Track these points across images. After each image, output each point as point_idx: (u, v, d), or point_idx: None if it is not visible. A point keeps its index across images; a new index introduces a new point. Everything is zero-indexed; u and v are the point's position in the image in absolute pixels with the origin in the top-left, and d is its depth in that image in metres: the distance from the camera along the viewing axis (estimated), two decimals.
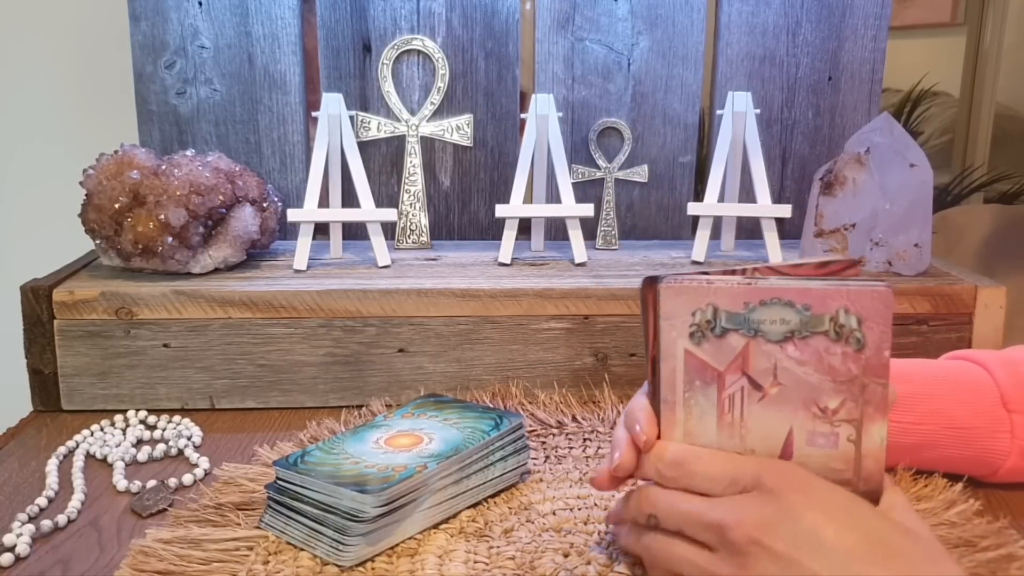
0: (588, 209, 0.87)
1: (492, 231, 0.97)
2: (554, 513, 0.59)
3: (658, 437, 0.50)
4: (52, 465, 0.67)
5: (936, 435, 0.61)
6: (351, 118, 0.90)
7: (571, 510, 0.59)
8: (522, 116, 0.91)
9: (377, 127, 0.94)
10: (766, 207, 0.87)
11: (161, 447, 0.69)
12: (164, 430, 0.73)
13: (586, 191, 0.96)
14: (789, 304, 0.46)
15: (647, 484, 0.50)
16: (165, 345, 0.76)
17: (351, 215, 0.87)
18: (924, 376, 0.62)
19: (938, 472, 0.63)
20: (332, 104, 0.87)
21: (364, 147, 0.93)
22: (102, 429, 0.73)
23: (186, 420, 0.74)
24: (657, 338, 0.48)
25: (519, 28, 0.94)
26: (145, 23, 0.91)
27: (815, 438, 0.47)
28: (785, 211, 0.87)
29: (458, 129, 0.95)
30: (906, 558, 0.43)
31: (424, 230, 0.94)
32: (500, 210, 0.87)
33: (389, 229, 0.93)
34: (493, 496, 0.61)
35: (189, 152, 0.84)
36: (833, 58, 0.96)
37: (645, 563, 0.51)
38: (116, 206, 0.77)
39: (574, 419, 0.73)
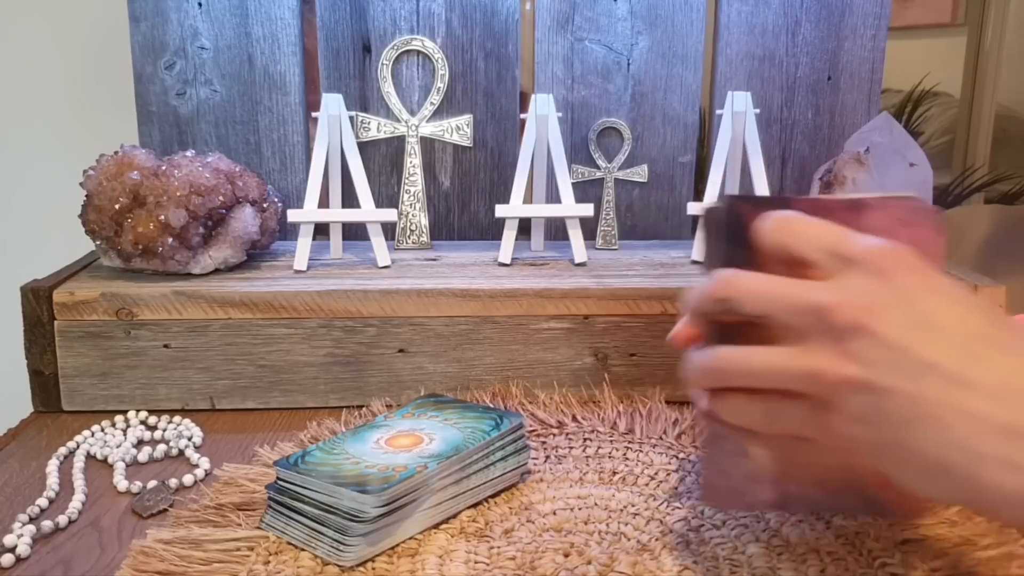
0: (588, 209, 0.87)
1: (492, 231, 0.97)
2: (554, 513, 0.59)
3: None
4: (53, 466, 0.67)
5: None
6: (351, 118, 0.90)
7: (571, 510, 0.59)
8: (522, 116, 0.91)
9: (377, 127, 0.94)
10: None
11: (162, 447, 0.69)
12: (165, 430, 0.73)
13: (586, 191, 0.96)
14: None
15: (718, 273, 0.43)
16: (165, 346, 0.76)
17: (351, 215, 0.87)
18: None
19: None
20: (332, 104, 0.87)
21: (364, 147, 0.93)
22: (103, 430, 0.73)
23: (187, 420, 0.74)
24: None
25: (519, 28, 0.94)
26: (145, 24, 0.91)
27: None
28: None
29: (458, 129, 0.95)
30: (1010, 335, 0.37)
31: (424, 230, 0.94)
32: (500, 210, 0.87)
33: (389, 229, 0.93)
34: (493, 496, 0.61)
35: (189, 153, 0.84)
36: (833, 58, 0.96)
37: (712, 382, 0.44)
38: (116, 207, 0.77)
39: (574, 419, 0.73)
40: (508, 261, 0.86)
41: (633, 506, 0.59)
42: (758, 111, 0.89)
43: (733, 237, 0.45)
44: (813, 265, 0.41)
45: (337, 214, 0.88)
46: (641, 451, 0.68)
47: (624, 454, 0.67)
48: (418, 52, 0.94)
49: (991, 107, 2.71)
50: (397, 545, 0.55)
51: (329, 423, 0.73)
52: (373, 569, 0.53)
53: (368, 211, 0.86)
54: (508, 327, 0.77)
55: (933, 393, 0.37)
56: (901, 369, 0.37)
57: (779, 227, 0.42)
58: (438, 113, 0.95)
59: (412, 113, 0.94)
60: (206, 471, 0.66)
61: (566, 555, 0.54)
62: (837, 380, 0.39)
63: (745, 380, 0.42)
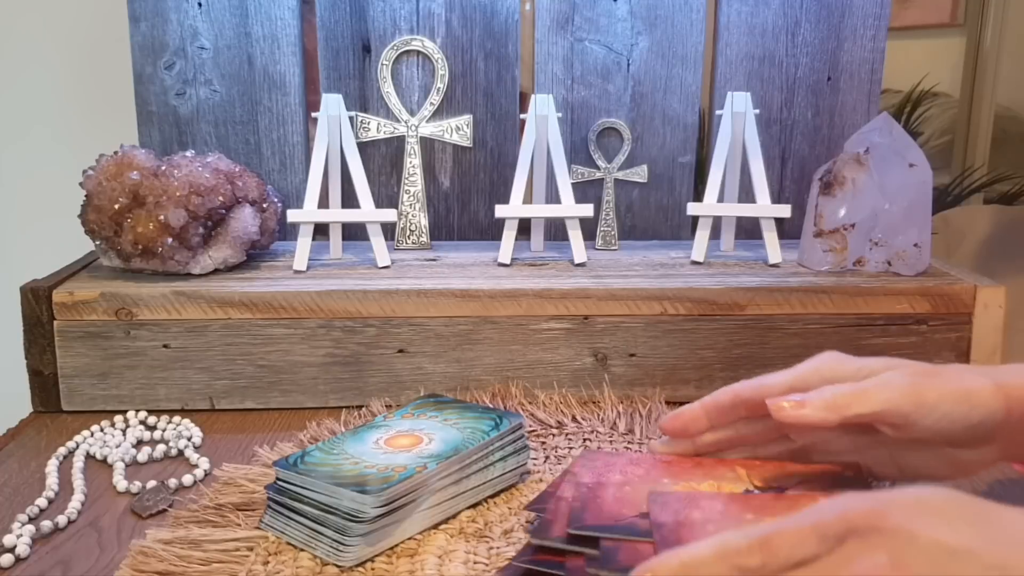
0: (588, 209, 0.87)
1: (492, 231, 0.97)
2: None
3: None
4: (52, 466, 0.67)
5: None
6: (351, 119, 0.90)
7: None
8: (522, 116, 0.91)
9: (377, 128, 0.94)
10: (766, 207, 0.87)
11: (161, 448, 0.69)
12: (164, 431, 0.73)
13: (586, 191, 0.96)
14: None
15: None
16: (165, 346, 0.76)
17: (351, 216, 0.87)
18: None
19: None
20: (332, 105, 0.87)
21: (364, 148, 0.93)
22: (102, 430, 0.73)
23: (186, 421, 0.74)
24: None
25: (518, 29, 0.94)
26: (145, 24, 0.91)
27: None
28: (784, 211, 0.87)
29: (458, 130, 0.95)
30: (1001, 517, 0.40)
31: (424, 231, 0.94)
32: (500, 210, 0.87)
33: (389, 230, 0.93)
34: (493, 496, 0.61)
35: (189, 153, 0.84)
36: (832, 58, 0.96)
37: None
38: (116, 207, 0.77)
39: (574, 419, 0.73)
40: (508, 261, 0.86)
41: None
42: (758, 111, 0.89)
43: None
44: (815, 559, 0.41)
45: (337, 214, 0.88)
46: (641, 451, 0.68)
47: None
48: (418, 52, 0.94)
49: (990, 107, 2.72)
50: (396, 545, 0.55)
51: (329, 423, 0.73)
52: (372, 569, 0.53)
53: (368, 211, 0.86)
54: (508, 327, 0.77)
55: None
56: None
57: (760, 554, 0.41)
58: (438, 113, 0.95)
59: (412, 113, 0.94)
60: (205, 471, 0.66)
61: None
62: None
63: None
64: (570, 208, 0.87)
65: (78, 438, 0.71)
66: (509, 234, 0.86)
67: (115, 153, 0.81)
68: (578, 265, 0.86)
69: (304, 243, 0.84)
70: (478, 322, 0.77)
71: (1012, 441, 0.53)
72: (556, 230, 0.96)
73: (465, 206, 0.97)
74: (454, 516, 0.58)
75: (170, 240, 0.77)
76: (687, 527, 0.47)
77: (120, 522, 0.60)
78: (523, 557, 0.50)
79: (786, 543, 0.41)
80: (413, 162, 0.94)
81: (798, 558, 0.41)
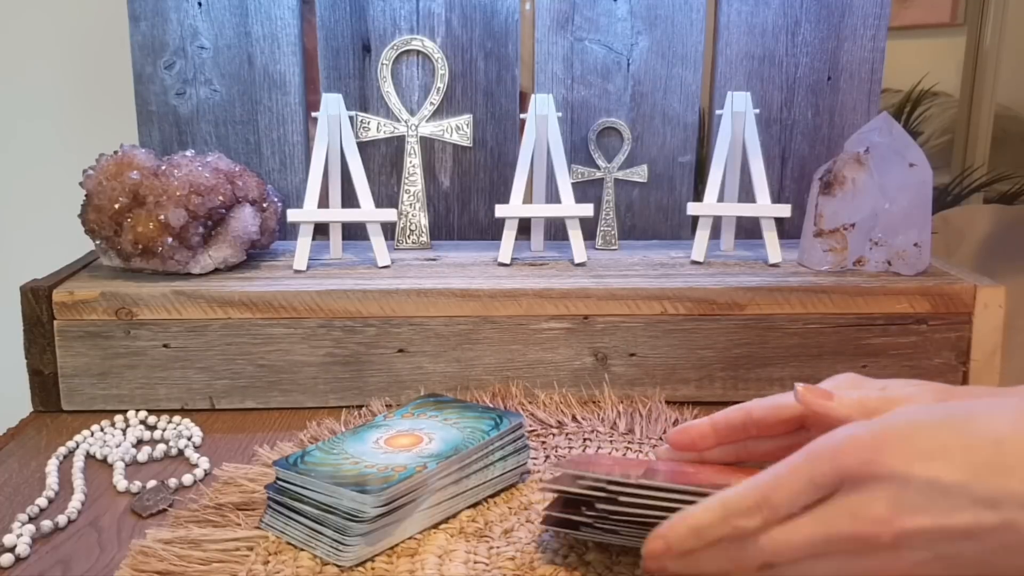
0: (588, 209, 0.87)
1: (492, 231, 0.97)
2: None
3: None
4: (52, 465, 0.67)
5: None
6: (351, 118, 0.90)
7: None
8: (522, 116, 0.91)
9: (377, 127, 0.94)
10: (766, 207, 0.87)
11: (161, 447, 0.70)
12: (164, 430, 0.73)
13: (586, 191, 0.96)
14: None
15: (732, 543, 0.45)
16: (165, 345, 0.76)
17: (351, 215, 0.87)
18: None
19: None
20: (332, 104, 0.87)
21: (364, 147, 0.93)
22: (102, 429, 0.73)
23: (186, 420, 0.74)
24: None
25: (518, 28, 0.94)
26: (145, 23, 0.91)
27: None
28: (784, 211, 0.87)
29: (458, 129, 0.95)
30: (988, 432, 0.41)
31: (424, 230, 0.94)
32: (500, 210, 0.87)
33: (389, 229, 0.93)
34: (493, 496, 0.61)
35: (189, 152, 0.84)
36: (832, 58, 0.96)
37: None
38: (116, 207, 0.77)
39: (574, 419, 0.73)
40: (508, 261, 0.86)
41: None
42: (758, 111, 0.89)
43: None
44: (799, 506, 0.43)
45: (337, 214, 0.88)
46: (641, 451, 0.68)
47: (624, 454, 0.67)
48: (418, 52, 0.94)
49: (990, 107, 2.71)
50: (396, 545, 0.55)
51: (329, 423, 0.73)
52: (372, 569, 0.53)
53: (368, 211, 0.86)
54: (508, 327, 0.77)
55: (991, 541, 0.40)
56: (955, 540, 0.40)
57: (757, 513, 0.43)
58: (438, 113, 0.95)
59: (412, 113, 0.94)
60: (205, 471, 0.66)
61: (565, 556, 0.54)
62: (907, 571, 0.41)
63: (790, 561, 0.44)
64: (570, 208, 0.87)
65: (78, 438, 0.71)
66: (509, 234, 0.86)
67: (115, 153, 0.81)
68: (578, 265, 0.86)
69: (304, 243, 0.84)
70: (478, 322, 0.77)
71: None
72: (556, 230, 0.96)
73: (465, 206, 0.97)
74: (454, 516, 0.58)
75: (170, 240, 0.77)
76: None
77: (120, 522, 0.60)
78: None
79: (784, 498, 0.43)
80: (413, 162, 0.94)
81: (798, 508, 0.43)
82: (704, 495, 0.45)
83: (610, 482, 0.49)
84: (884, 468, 0.41)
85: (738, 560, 0.44)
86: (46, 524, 0.58)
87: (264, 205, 0.85)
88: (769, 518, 0.43)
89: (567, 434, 0.71)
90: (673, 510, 0.46)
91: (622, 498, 0.48)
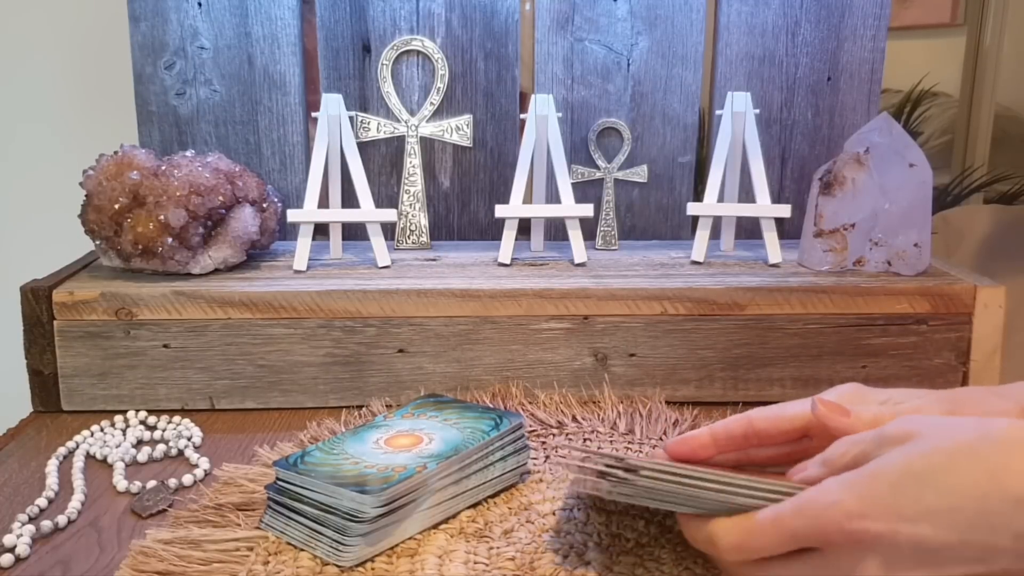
0: (588, 209, 0.87)
1: (492, 231, 0.97)
2: (554, 514, 0.59)
3: None
4: (52, 466, 0.67)
5: None
6: (351, 119, 0.90)
7: (571, 510, 0.59)
8: (522, 116, 0.91)
9: (377, 127, 0.94)
10: (765, 207, 0.87)
11: (161, 448, 0.70)
12: (164, 431, 0.73)
13: (586, 191, 0.96)
14: None
15: None
16: (165, 346, 0.76)
17: (351, 215, 0.87)
18: None
19: None
20: (332, 105, 0.87)
21: (364, 147, 0.93)
22: (102, 430, 0.73)
23: (186, 420, 0.74)
24: None
25: (518, 29, 0.94)
26: (145, 24, 0.91)
27: None
28: (784, 211, 0.87)
29: (458, 129, 0.95)
30: (975, 484, 0.42)
31: (424, 230, 0.94)
32: (500, 210, 0.87)
33: (389, 229, 0.93)
34: (493, 496, 0.61)
35: (189, 153, 0.84)
36: (832, 58, 0.96)
37: None
38: (116, 207, 0.77)
39: (574, 419, 0.73)
40: (508, 261, 0.86)
41: (633, 507, 0.59)
42: (758, 111, 0.89)
43: None
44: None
45: (337, 214, 0.88)
46: (641, 451, 0.68)
47: (624, 454, 0.67)
48: (418, 52, 0.94)
49: (990, 107, 2.71)
50: (396, 545, 0.55)
51: (329, 423, 0.73)
52: (372, 569, 0.53)
53: (368, 211, 0.86)
54: (508, 327, 0.77)
55: None
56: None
57: (737, 554, 0.47)
58: (438, 113, 0.95)
59: (412, 113, 0.94)
60: (205, 471, 0.66)
61: (565, 556, 0.54)
62: None
63: None
64: (570, 208, 0.87)
65: (78, 438, 0.71)
66: (509, 234, 0.86)
67: (115, 153, 0.81)
68: (578, 265, 0.86)
69: (304, 243, 0.84)
70: (478, 322, 0.77)
71: None
72: (556, 230, 0.96)
73: (465, 206, 0.97)
74: (454, 516, 0.58)
75: (170, 240, 0.77)
76: None
77: (120, 522, 0.60)
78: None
79: (762, 546, 0.46)
80: (413, 162, 0.94)
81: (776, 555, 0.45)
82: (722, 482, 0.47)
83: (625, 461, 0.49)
84: (869, 535, 0.42)
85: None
86: (46, 524, 0.58)
87: (264, 205, 0.85)
88: (746, 560, 0.46)
89: (567, 434, 0.71)
90: (689, 486, 0.48)
91: (643, 471, 0.49)
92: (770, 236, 0.87)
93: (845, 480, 0.44)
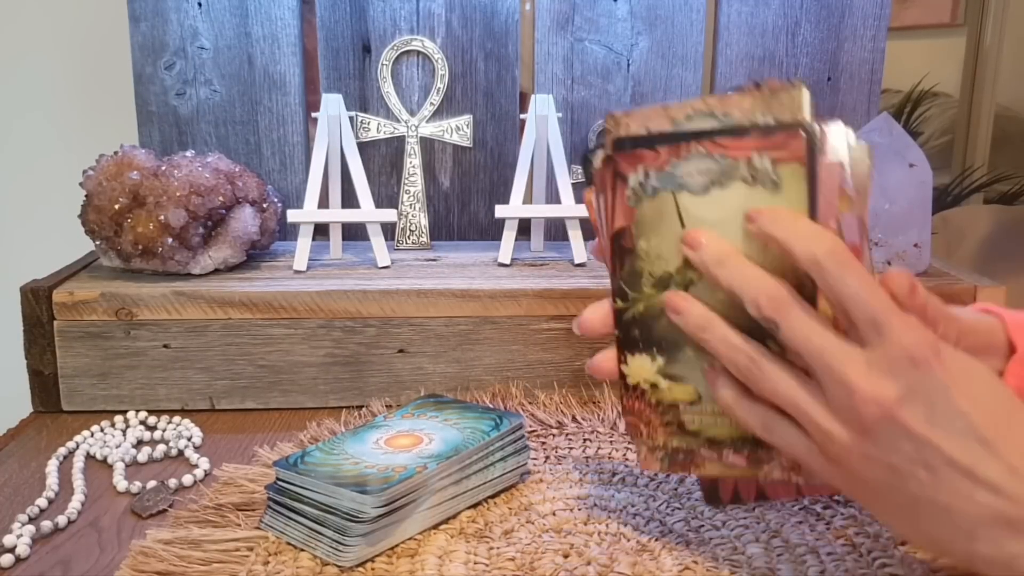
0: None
1: (492, 231, 0.97)
2: (554, 514, 0.59)
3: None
4: (52, 466, 0.67)
5: None
6: (351, 119, 0.90)
7: (571, 510, 0.59)
8: (522, 116, 0.91)
9: (377, 128, 0.94)
10: None
11: (161, 448, 0.69)
12: (164, 431, 0.73)
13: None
14: (707, 154, 0.46)
15: (760, 281, 0.44)
16: (165, 346, 0.76)
17: (351, 216, 0.87)
18: None
19: None
20: (332, 105, 0.87)
21: (364, 148, 0.93)
22: (102, 430, 0.73)
23: (186, 421, 0.74)
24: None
25: (519, 29, 0.94)
26: (145, 24, 0.91)
27: None
28: None
29: (458, 130, 0.95)
30: (1019, 417, 0.41)
31: (424, 231, 0.94)
32: (500, 211, 0.87)
33: (389, 230, 0.93)
34: (493, 497, 0.61)
35: (189, 153, 0.84)
36: (832, 59, 0.96)
37: (735, 371, 0.45)
38: (116, 207, 0.77)
39: (574, 419, 0.73)
40: (508, 261, 0.86)
41: (633, 506, 0.59)
42: None
43: None
44: (853, 320, 0.42)
45: (337, 214, 0.88)
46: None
47: (624, 455, 0.67)
48: (418, 52, 0.94)
49: (990, 107, 2.72)
50: (396, 545, 0.55)
51: (329, 423, 0.73)
52: (372, 569, 0.53)
53: (368, 211, 0.86)
54: (508, 327, 0.77)
55: (947, 484, 0.41)
56: (920, 459, 0.41)
57: (833, 264, 0.42)
58: (438, 113, 0.95)
59: (412, 113, 0.94)
60: (206, 471, 0.66)
61: (566, 556, 0.54)
62: (858, 455, 0.42)
63: (766, 395, 0.45)
64: (570, 208, 0.87)
65: (78, 438, 0.71)
66: (509, 234, 0.86)
67: (115, 153, 0.81)
68: (578, 265, 0.86)
69: (304, 243, 0.84)
70: (478, 322, 0.77)
71: None
72: (556, 230, 0.96)
73: (465, 206, 0.97)
74: (454, 516, 0.58)
75: (170, 240, 0.77)
76: None
77: (120, 522, 0.60)
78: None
79: (855, 283, 0.42)
80: (413, 162, 0.94)
81: (849, 304, 0.42)
82: None
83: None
84: (935, 373, 0.41)
85: (748, 290, 0.44)
86: (46, 524, 0.58)
87: (264, 205, 0.85)
88: (832, 272, 0.42)
89: (567, 434, 0.71)
90: None
91: None
92: None
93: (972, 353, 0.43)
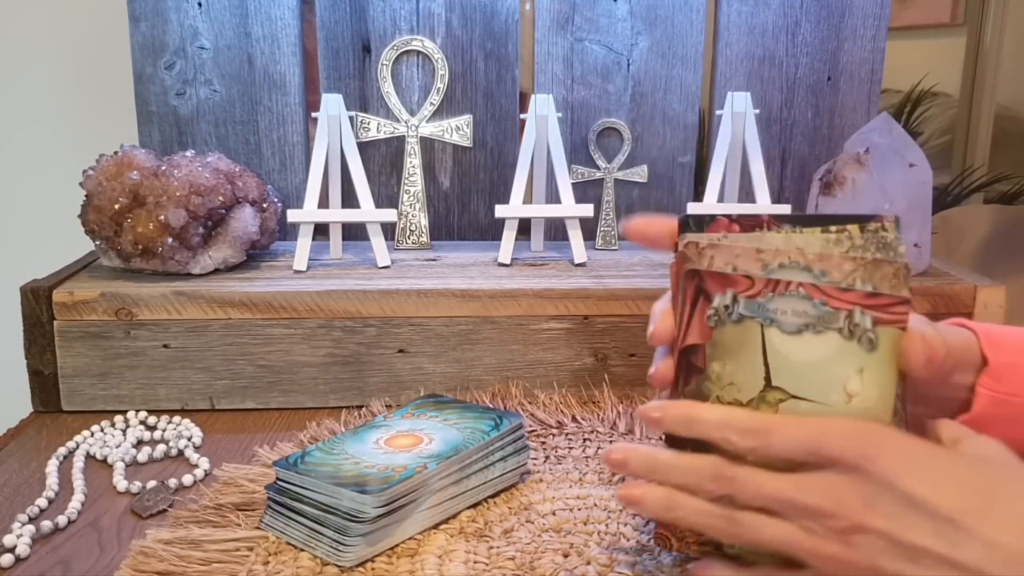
0: (588, 209, 0.87)
1: (492, 231, 0.97)
2: (554, 513, 0.59)
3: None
4: (52, 466, 0.67)
5: None
6: (351, 119, 0.90)
7: (571, 510, 0.59)
8: (522, 116, 0.91)
9: (377, 128, 0.94)
10: (766, 207, 0.87)
11: (161, 448, 0.69)
12: (164, 431, 0.73)
13: (586, 191, 0.96)
14: (806, 297, 0.45)
15: (714, 458, 0.46)
16: (165, 346, 0.76)
17: (351, 216, 0.87)
18: (1021, 344, 0.56)
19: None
20: (332, 105, 0.87)
21: (364, 148, 0.93)
22: (102, 430, 0.73)
23: (186, 421, 0.74)
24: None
25: (518, 29, 0.94)
26: (145, 24, 0.91)
27: None
28: (785, 211, 0.87)
29: (458, 130, 0.95)
30: (999, 496, 0.42)
31: (424, 230, 0.94)
32: (500, 210, 0.87)
33: (389, 230, 0.93)
34: (493, 496, 0.61)
35: (189, 153, 0.84)
36: (832, 58, 0.96)
37: (718, 534, 0.47)
38: (116, 207, 0.77)
39: (574, 419, 0.73)
40: (508, 261, 0.86)
41: None
42: (758, 111, 0.89)
43: None
44: (798, 463, 0.44)
45: (337, 214, 0.88)
46: None
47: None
48: (418, 52, 0.94)
49: (990, 107, 2.71)
50: (397, 545, 0.55)
51: (329, 423, 0.73)
52: (372, 569, 0.53)
53: (368, 211, 0.86)
54: (508, 327, 0.77)
55: (931, 572, 0.41)
56: (901, 555, 0.42)
57: (752, 439, 0.45)
58: (438, 113, 0.95)
59: (412, 113, 0.94)
60: (206, 471, 0.66)
61: (565, 555, 0.54)
62: (845, 562, 0.43)
63: (756, 545, 0.46)
64: (570, 208, 0.87)
65: (78, 438, 0.71)
66: (509, 234, 0.86)
67: (115, 153, 0.81)
68: (578, 265, 0.86)
69: (304, 243, 0.84)
70: (478, 322, 0.77)
71: None
72: (556, 230, 0.96)
73: (465, 206, 0.97)
74: (454, 516, 0.58)
75: (170, 240, 0.77)
76: None
77: (120, 522, 0.60)
78: None
79: (781, 441, 0.44)
80: (413, 162, 0.94)
81: (785, 457, 0.44)
82: None
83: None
84: (878, 469, 0.42)
85: (709, 474, 0.46)
86: (46, 524, 0.58)
87: (264, 205, 0.85)
88: (758, 448, 0.44)
89: (567, 434, 0.71)
90: None
91: None
92: None
93: (880, 426, 0.44)
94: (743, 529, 0.45)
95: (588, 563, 0.53)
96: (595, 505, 0.60)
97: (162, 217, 0.76)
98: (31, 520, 0.60)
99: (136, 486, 0.64)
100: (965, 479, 0.43)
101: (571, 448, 0.68)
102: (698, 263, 0.47)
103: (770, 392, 0.46)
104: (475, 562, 0.53)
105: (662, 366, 0.49)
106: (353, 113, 0.93)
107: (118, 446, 0.70)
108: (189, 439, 0.71)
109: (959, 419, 0.55)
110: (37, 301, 0.75)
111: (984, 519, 0.41)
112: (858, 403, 0.45)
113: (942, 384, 0.52)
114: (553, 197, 0.89)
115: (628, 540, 0.55)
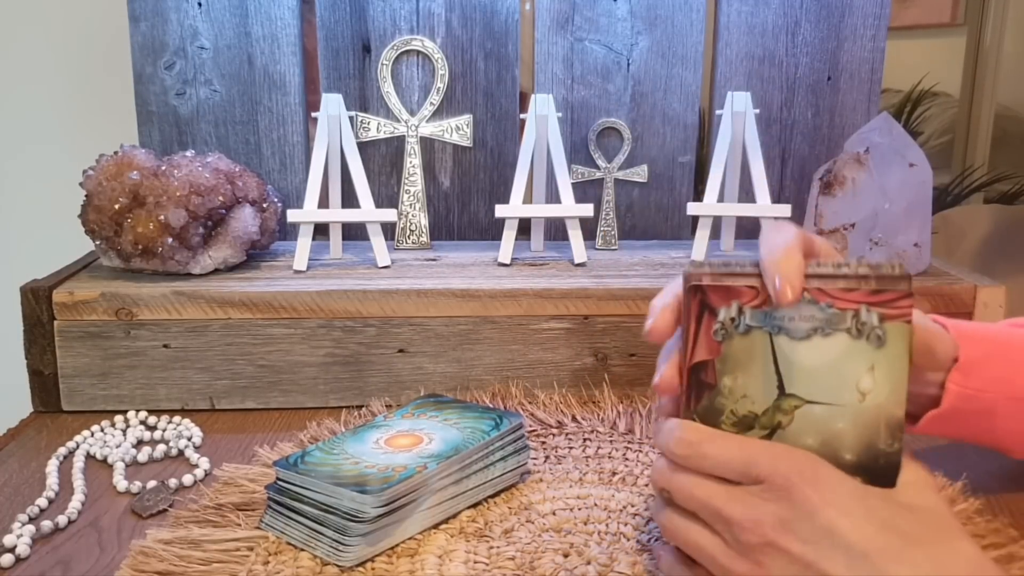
0: (588, 209, 0.87)
1: (492, 231, 0.97)
2: (554, 513, 0.59)
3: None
4: (52, 466, 0.67)
5: (997, 404, 0.56)
6: (351, 119, 0.90)
7: (571, 510, 0.59)
8: (522, 116, 0.91)
9: (377, 127, 0.94)
10: (765, 207, 0.87)
11: (161, 448, 0.69)
12: (164, 431, 0.73)
13: (586, 191, 0.96)
14: (812, 301, 0.46)
15: (659, 456, 0.49)
16: (165, 346, 0.76)
17: (351, 215, 0.87)
18: (991, 340, 0.57)
19: (986, 446, 0.60)
20: (332, 105, 0.87)
21: (364, 147, 0.93)
22: (102, 430, 0.73)
23: (186, 421, 0.74)
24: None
25: (518, 28, 0.94)
26: (145, 24, 0.91)
27: None
28: (784, 211, 0.87)
29: (458, 129, 0.95)
30: (920, 542, 0.42)
31: (424, 230, 0.94)
32: (500, 210, 0.87)
33: (389, 229, 0.93)
34: (493, 496, 0.61)
35: (189, 153, 0.84)
36: (832, 58, 0.96)
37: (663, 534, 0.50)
38: (116, 207, 0.77)
39: (574, 419, 0.73)
40: (508, 261, 0.86)
41: (633, 506, 0.59)
42: (758, 111, 0.89)
43: None
44: (734, 479, 0.46)
45: (337, 214, 0.88)
46: (641, 451, 0.68)
47: (624, 454, 0.67)
48: (418, 52, 0.94)
49: (990, 107, 2.71)
50: (397, 545, 0.55)
51: (329, 423, 0.73)
52: (372, 569, 0.53)
53: (368, 211, 0.86)
54: (508, 327, 0.77)
55: None
56: None
57: (685, 448, 0.47)
58: (438, 113, 0.95)
59: (412, 113, 0.94)
60: (206, 471, 0.66)
61: (565, 555, 0.54)
62: None
63: (682, 545, 0.48)
64: (570, 208, 0.87)
65: (78, 438, 0.71)
66: (509, 234, 0.86)
67: (115, 153, 0.81)
68: (578, 265, 0.86)
69: (304, 243, 0.84)
70: (478, 322, 0.77)
71: None
72: (556, 230, 0.96)
73: (465, 206, 0.97)
74: (454, 516, 0.58)
75: (170, 240, 0.77)
76: None
77: (120, 522, 0.60)
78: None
79: (714, 454, 0.46)
80: (413, 162, 0.94)
81: (717, 473, 0.46)
82: None
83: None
84: (803, 495, 0.43)
85: (658, 468, 0.48)
86: (46, 524, 0.58)
87: (264, 205, 0.85)
88: (691, 460, 0.46)
89: (567, 434, 0.71)
90: None
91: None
92: None
93: (817, 457, 0.46)
94: (672, 528, 0.48)
95: (588, 563, 0.53)
96: (595, 505, 0.60)
97: (162, 217, 0.76)
98: (31, 520, 0.60)
99: (136, 486, 0.64)
100: (888, 520, 0.43)
101: (571, 448, 0.68)
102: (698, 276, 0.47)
103: (785, 400, 0.46)
104: (475, 562, 0.53)
105: (667, 374, 0.49)
106: (353, 113, 0.93)
107: (118, 446, 0.70)
108: (189, 439, 0.71)
109: (929, 414, 0.55)
110: (37, 301, 0.75)
111: (898, 561, 0.41)
112: (871, 400, 0.45)
113: (914, 380, 0.52)
114: (553, 197, 0.89)
115: (628, 540, 0.55)
